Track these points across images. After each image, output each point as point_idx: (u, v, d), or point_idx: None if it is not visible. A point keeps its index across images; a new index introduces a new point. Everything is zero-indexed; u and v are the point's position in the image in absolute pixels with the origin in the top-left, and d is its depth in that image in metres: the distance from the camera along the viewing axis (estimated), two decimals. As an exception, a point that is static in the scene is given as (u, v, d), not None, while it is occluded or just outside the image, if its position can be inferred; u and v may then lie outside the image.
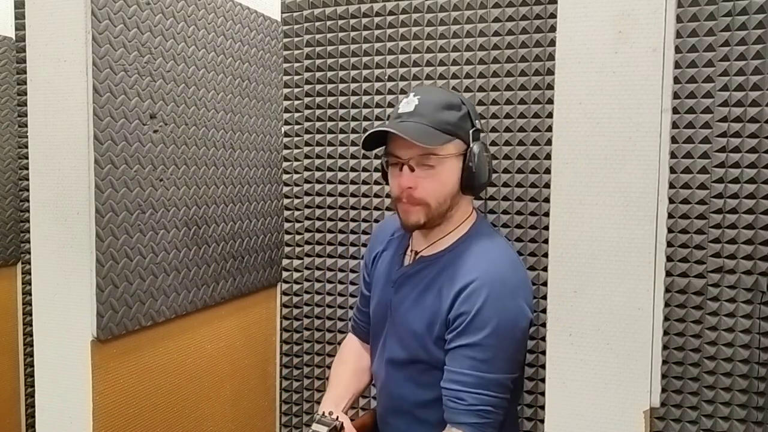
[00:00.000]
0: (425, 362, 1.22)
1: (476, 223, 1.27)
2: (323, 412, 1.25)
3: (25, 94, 1.53)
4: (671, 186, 1.52)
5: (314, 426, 1.21)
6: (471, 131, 1.21)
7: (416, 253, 1.28)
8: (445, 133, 1.17)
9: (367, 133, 1.19)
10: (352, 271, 1.90)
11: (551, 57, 1.59)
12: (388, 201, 1.84)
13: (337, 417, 1.23)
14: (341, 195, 1.89)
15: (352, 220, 1.89)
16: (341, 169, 1.88)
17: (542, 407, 1.37)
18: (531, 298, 1.21)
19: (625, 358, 0.94)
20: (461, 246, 1.22)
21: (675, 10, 1.05)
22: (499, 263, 1.19)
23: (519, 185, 1.67)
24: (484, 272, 1.15)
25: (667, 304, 1.54)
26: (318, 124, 1.90)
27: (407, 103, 1.20)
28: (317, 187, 1.92)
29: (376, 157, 1.83)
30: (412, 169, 1.17)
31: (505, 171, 1.68)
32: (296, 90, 1.91)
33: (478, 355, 1.12)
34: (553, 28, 1.60)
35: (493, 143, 1.68)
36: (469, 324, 1.13)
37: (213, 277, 1.65)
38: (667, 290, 1.54)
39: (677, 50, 1.49)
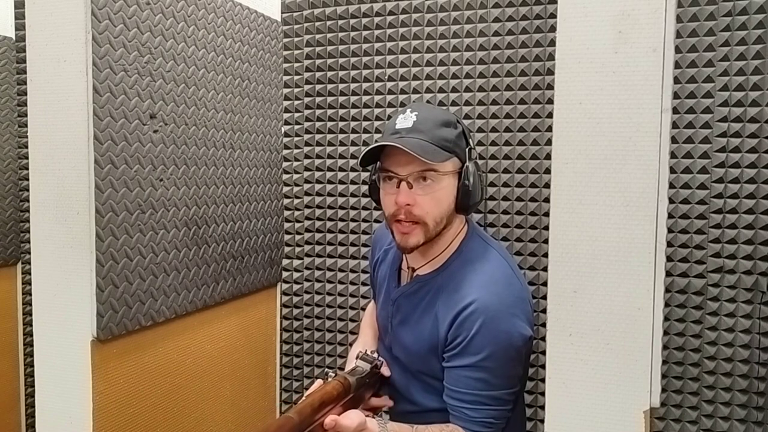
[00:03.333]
0: (430, 375, 1.24)
1: (467, 238, 1.25)
2: (365, 351, 1.26)
3: (25, 94, 1.53)
4: (671, 186, 1.52)
5: (357, 362, 1.23)
6: (467, 149, 1.19)
7: (413, 270, 1.28)
8: (444, 150, 1.15)
9: (369, 147, 1.16)
10: (352, 271, 1.90)
11: (551, 57, 1.59)
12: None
13: (378, 355, 1.27)
14: (341, 195, 1.89)
15: (352, 220, 1.89)
16: (341, 169, 1.88)
17: (542, 407, 1.37)
18: (529, 310, 1.19)
19: (625, 358, 0.93)
20: (455, 263, 1.22)
21: (675, 10, 1.05)
22: (493, 283, 1.17)
23: (519, 185, 1.67)
24: (478, 296, 1.14)
25: (667, 304, 1.54)
26: (318, 124, 1.90)
27: (405, 119, 1.16)
28: (317, 187, 1.92)
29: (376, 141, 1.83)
30: (410, 186, 1.15)
31: (505, 171, 1.68)
32: (296, 90, 1.91)
33: (474, 374, 1.13)
34: (553, 28, 1.60)
35: (493, 143, 1.68)
36: (465, 347, 1.14)
37: (213, 277, 1.65)
38: (667, 290, 1.54)
39: (677, 50, 1.49)
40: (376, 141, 1.18)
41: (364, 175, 1.85)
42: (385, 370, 1.30)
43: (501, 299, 1.15)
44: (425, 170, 1.14)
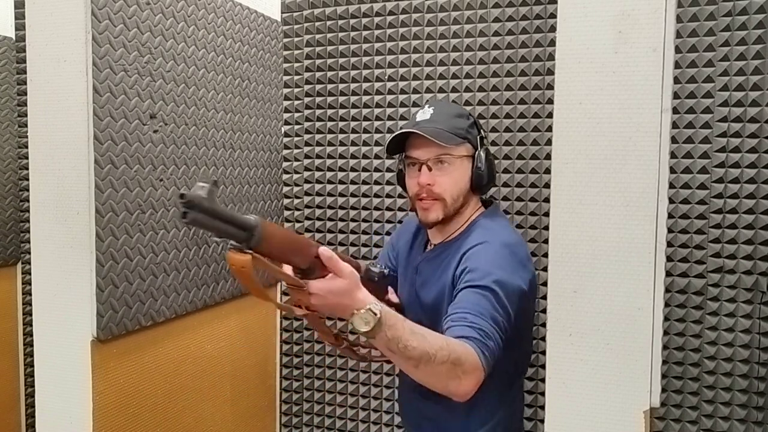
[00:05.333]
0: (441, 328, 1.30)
1: (482, 215, 1.38)
2: (371, 262, 1.36)
3: (25, 94, 1.53)
4: (671, 186, 1.52)
5: (368, 264, 1.30)
6: (478, 137, 1.34)
7: (434, 245, 1.41)
8: (458, 136, 1.30)
9: (393, 135, 1.32)
10: (352, 271, 1.90)
11: (551, 57, 1.59)
12: (388, 201, 1.84)
13: (385, 266, 1.39)
14: (341, 195, 1.89)
15: (352, 220, 1.89)
16: (341, 169, 1.88)
17: (542, 407, 1.37)
18: (529, 267, 1.29)
19: (625, 358, 0.94)
20: (470, 228, 1.35)
21: (675, 10, 1.05)
22: (500, 234, 1.30)
23: (519, 185, 1.68)
24: (486, 239, 1.27)
25: (667, 304, 1.54)
26: (318, 124, 1.90)
27: (424, 113, 1.33)
28: (317, 187, 1.92)
29: (377, 157, 1.83)
30: (429, 169, 1.30)
31: (505, 171, 1.68)
32: (296, 90, 1.91)
33: (480, 292, 1.18)
34: (553, 28, 1.60)
35: (493, 143, 1.69)
36: (471, 274, 1.21)
37: (213, 277, 1.65)
38: (667, 290, 1.54)
39: (677, 50, 1.49)
40: (401, 128, 1.33)
41: (364, 175, 1.85)
42: (393, 296, 1.39)
43: (505, 245, 1.26)
44: (442, 154, 1.29)
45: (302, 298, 1.03)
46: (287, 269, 1.05)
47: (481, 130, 1.37)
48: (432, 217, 1.31)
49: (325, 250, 1.00)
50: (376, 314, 0.98)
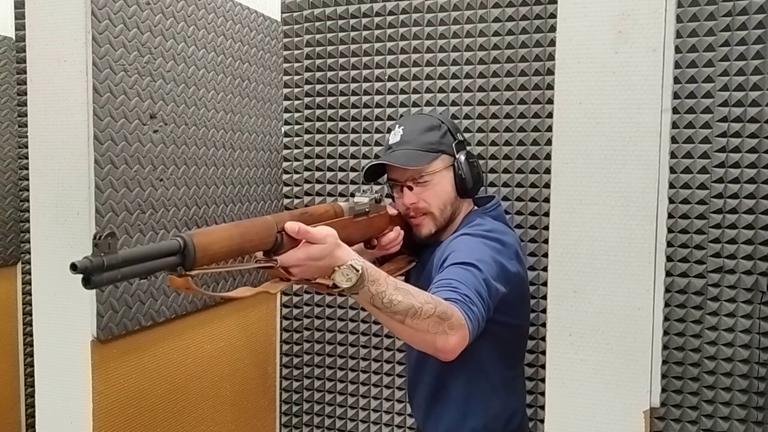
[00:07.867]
0: None
1: (470, 213, 1.41)
2: (357, 195, 1.33)
3: (25, 94, 1.53)
4: (671, 186, 1.52)
5: (354, 198, 1.29)
6: (454, 144, 1.37)
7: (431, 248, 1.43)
8: (431, 152, 1.34)
9: (365, 167, 1.39)
10: (352, 271, 1.90)
11: (551, 57, 1.59)
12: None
13: (378, 191, 1.41)
14: (341, 195, 1.89)
15: (352, 220, 1.88)
16: (341, 169, 1.88)
17: (542, 407, 1.37)
18: (515, 260, 1.28)
19: (625, 358, 0.94)
20: (459, 227, 1.39)
21: (675, 10, 1.05)
22: (485, 226, 1.32)
23: (519, 185, 1.67)
24: (469, 231, 1.31)
25: (667, 304, 1.54)
26: (318, 124, 1.90)
27: (394, 135, 1.37)
28: (317, 187, 1.92)
29: (376, 157, 1.83)
30: (410, 188, 1.35)
31: (505, 171, 1.68)
32: (296, 90, 1.91)
33: (462, 267, 1.16)
34: (553, 28, 1.60)
35: (493, 143, 1.69)
36: (455, 254, 1.21)
37: (213, 276, 1.65)
38: (667, 290, 1.54)
39: (677, 50, 1.49)
40: (375, 157, 1.39)
41: (364, 175, 1.86)
42: (391, 209, 1.40)
43: (491, 231, 1.29)
44: (418, 173, 1.34)
45: (279, 274, 1.02)
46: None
47: (457, 135, 1.39)
48: (425, 231, 1.37)
49: (291, 225, 0.99)
50: (357, 270, 0.96)
